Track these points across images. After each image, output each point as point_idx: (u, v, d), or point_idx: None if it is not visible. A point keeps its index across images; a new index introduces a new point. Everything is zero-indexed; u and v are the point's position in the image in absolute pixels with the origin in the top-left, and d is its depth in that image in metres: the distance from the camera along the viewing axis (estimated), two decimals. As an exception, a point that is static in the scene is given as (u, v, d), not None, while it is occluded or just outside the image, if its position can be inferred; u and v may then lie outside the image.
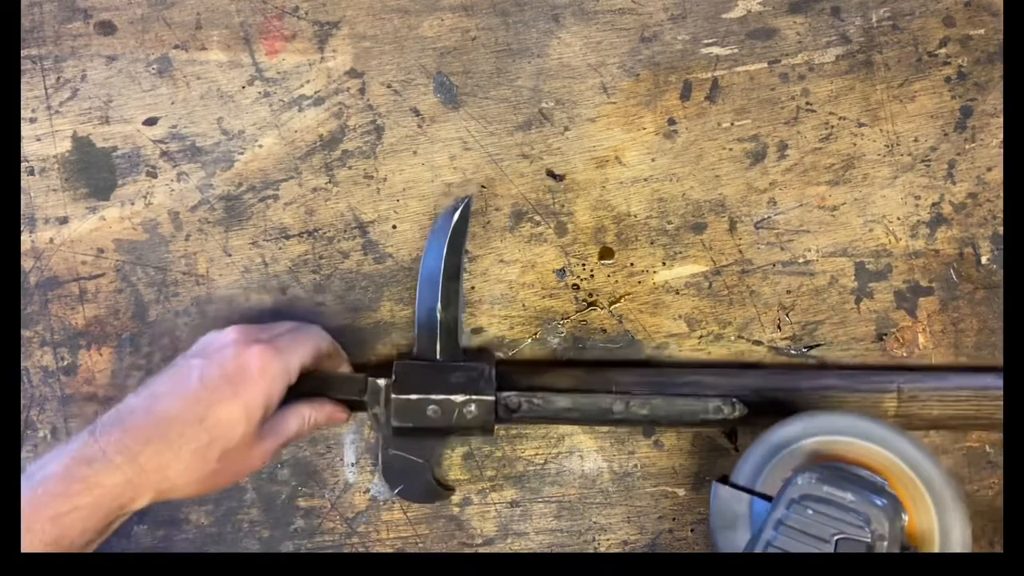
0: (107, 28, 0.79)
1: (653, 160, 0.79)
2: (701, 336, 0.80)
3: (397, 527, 0.79)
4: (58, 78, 0.79)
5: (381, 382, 0.74)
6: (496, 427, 0.74)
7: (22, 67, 0.78)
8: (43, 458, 0.62)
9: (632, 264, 0.80)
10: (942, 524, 0.65)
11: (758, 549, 0.60)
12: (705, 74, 0.80)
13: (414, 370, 0.74)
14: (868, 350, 0.80)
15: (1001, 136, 0.79)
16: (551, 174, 0.79)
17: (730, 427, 0.79)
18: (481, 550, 0.79)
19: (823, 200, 0.80)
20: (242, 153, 0.79)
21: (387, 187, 0.79)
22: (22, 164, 0.78)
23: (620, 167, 0.79)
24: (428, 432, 0.74)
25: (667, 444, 0.80)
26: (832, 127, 0.80)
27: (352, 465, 0.79)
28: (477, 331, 0.79)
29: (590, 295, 0.80)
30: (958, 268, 0.80)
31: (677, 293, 0.80)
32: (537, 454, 0.80)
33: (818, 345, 0.80)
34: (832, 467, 0.64)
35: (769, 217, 0.80)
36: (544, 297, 0.80)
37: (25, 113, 0.78)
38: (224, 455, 0.64)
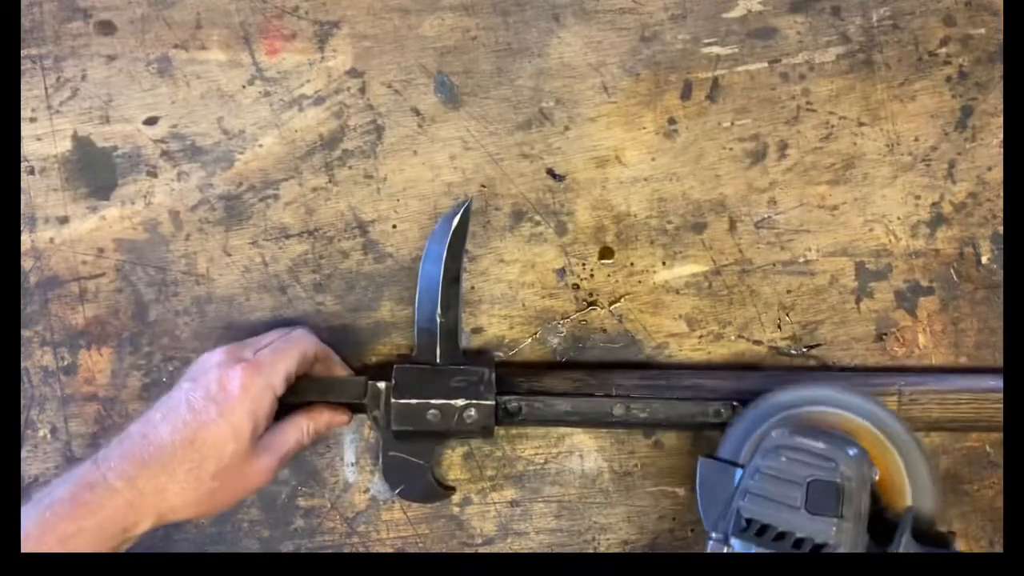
0: (107, 28, 0.79)
1: (653, 160, 0.79)
2: (701, 336, 0.80)
3: (397, 527, 0.79)
4: (58, 78, 0.79)
5: (381, 385, 0.74)
6: (496, 428, 0.74)
7: (22, 67, 0.78)
8: (51, 484, 0.66)
9: (632, 264, 0.80)
10: (912, 478, 0.67)
11: (737, 500, 0.63)
12: (705, 74, 0.79)
13: (414, 374, 0.73)
14: (868, 350, 0.80)
15: (1001, 136, 0.79)
16: (551, 174, 0.79)
17: (730, 427, 0.79)
18: (481, 550, 0.79)
19: (823, 200, 0.80)
20: (242, 153, 0.79)
21: (387, 187, 0.79)
22: (22, 164, 0.78)
23: (620, 167, 0.79)
24: (428, 435, 0.74)
25: (667, 444, 0.80)
26: (832, 127, 0.80)
27: (352, 465, 0.79)
28: (477, 331, 0.79)
29: (590, 295, 0.80)
30: (958, 268, 0.80)
31: (677, 293, 0.80)
32: (537, 454, 0.80)
33: (818, 345, 0.80)
34: (806, 424, 0.68)
35: (769, 217, 0.80)
36: (544, 297, 0.80)
37: (25, 113, 0.78)
38: (219, 474, 0.66)
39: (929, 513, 0.67)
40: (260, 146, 0.79)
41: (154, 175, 0.79)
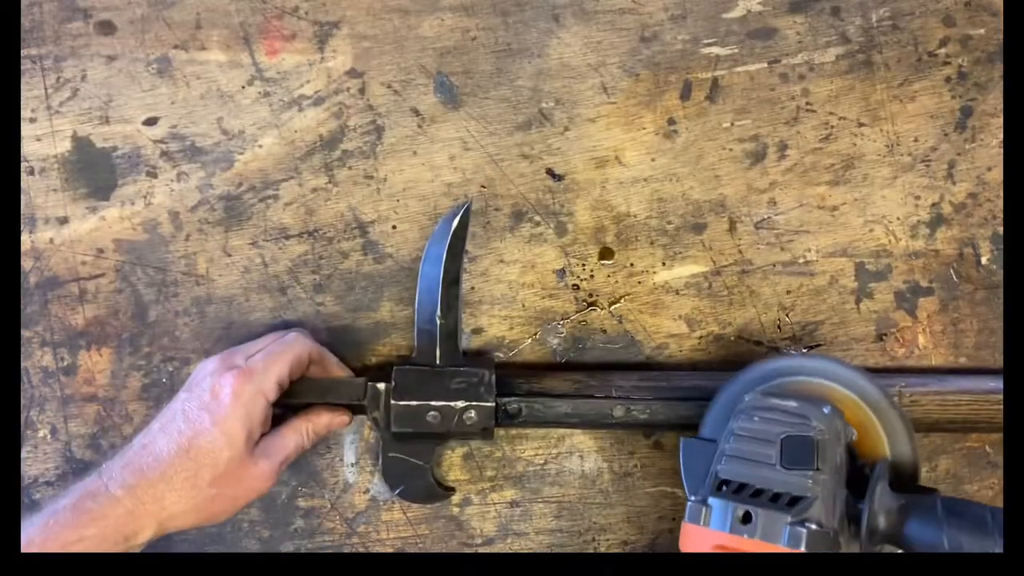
0: (107, 28, 0.79)
1: (653, 160, 0.79)
2: (701, 336, 0.80)
3: (397, 527, 0.79)
4: (58, 78, 0.79)
5: (381, 387, 0.74)
6: (496, 429, 0.74)
7: (22, 67, 0.78)
8: (58, 495, 0.67)
9: (632, 264, 0.80)
10: (888, 435, 0.68)
11: (716, 463, 0.64)
12: (705, 74, 0.79)
13: (413, 376, 0.73)
14: (868, 350, 0.80)
15: (1001, 136, 0.79)
16: (551, 174, 0.79)
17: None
18: (481, 550, 0.79)
19: (823, 200, 0.80)
20: (242, 153, 0.79)
21: (387, 187, 0.79)
22: (22, 164, 0.78)
23: (620, 167, 0.79)
24: (428, 437, 0.74)
25: (667, 444, 0.80)
26: (832, 127, 0.80)
27: (352, 465, 0.79)
28: (477, 331, 0.79)
29: (590, 295, 0.80)
30: (958, 268, 0.80)
31: (677, 293, 0.80)
32: (537, 454, 0.80)
33: (818, 345, 0.80)
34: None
35: (769, 217, 0.80)
36: (544, 297, 0.80)
37: (25, 113, 0.78)
38: (216, 481, 0.67)
39: (909, 466, 0.68)
40: (260, 146, 0.79)
41: (154, 175, 0.79)
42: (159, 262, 0.79)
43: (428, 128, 0.79)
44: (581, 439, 0.80)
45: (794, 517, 0.59)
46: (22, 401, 0.78)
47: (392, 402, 0.73)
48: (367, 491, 0.79)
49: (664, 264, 0.80)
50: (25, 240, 0.78)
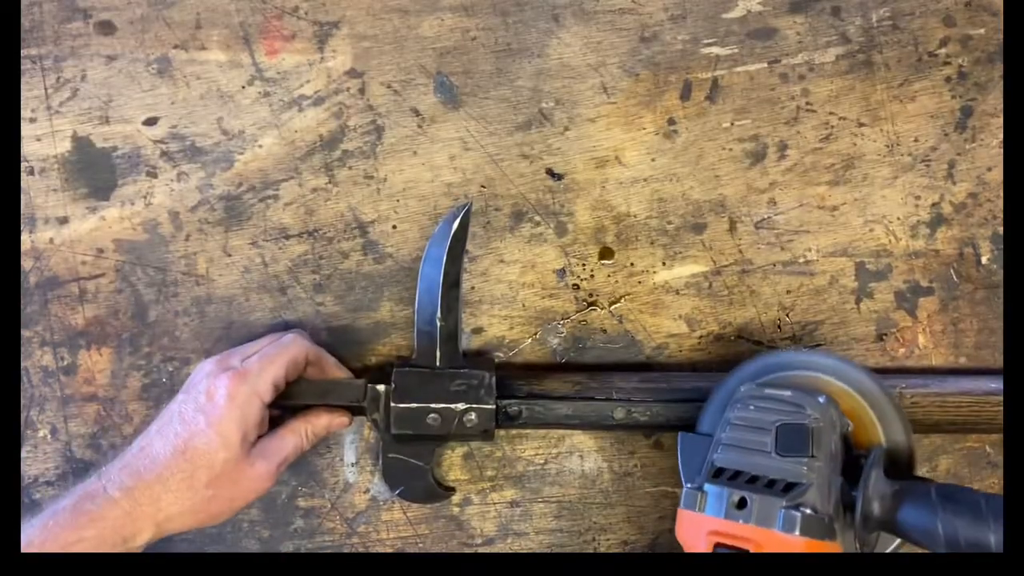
0: (107, 28, 0.79)
1: (653, 160, 0.79)
2: (701, 336, 0.80)
3: (397, 527, 0.79)
4: (58, 78, 0.79)
5: (380, 388, 0.74)
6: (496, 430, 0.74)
7: (22, 67, 0.78)
8: (58, 496, 0.67)
9: (632, 264, 0.80)
10: (883, 424, 0.68)
11: (712, 452, 0.65)
12: (705, 74, 0.79)
13: (414, 378, 0.73)
14: (868, 350, 0.80)
15: (1001, 136, 0.79)
16: (551, 174, 0.79)
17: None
18: (481, 550, 0.79)
19: (823, 200, 0.80)
20: (242, 153, 0.79)
21: (387, 187, 0.79)
22: (22, 164, 0.78)
23: (620, 167, 0.79)
24: (428, 438, 0.74)
25: (667, 444, 0.80)
26: (832, 127, 0.80)
27: (352, 465, 0.79)
28: (477, 331, 0.79)
29: (590, 295, 0.80)
30: (958, 268, 0.80)
31: (677, 293, 0.80)
32: (537, 454, 0.80)
33: (818, 345, 0.80)
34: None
35: (769, 217, 0.80)
36: (544, 297, 0.80)
37: (25, 113, 0.78)
38: (212, 482, 0.67)
39: (905, 455, 0.68)
40: (260, 146, 0.79)
41: (154, 175, 0.79)
42: (159, 262, 0.79)
43: (428, 128, 0.79)
44: (581, 439, 0.80)
45: (789, 502, 0.60)
46: (22, 401, 0.78)
47: (392, 404, 0.73)
48: (367, 491, 0.79)
49: (664, 264, 0.80)
50: (25, 240, 0.78)
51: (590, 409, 0.74)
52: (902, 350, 0.80)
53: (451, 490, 0.78)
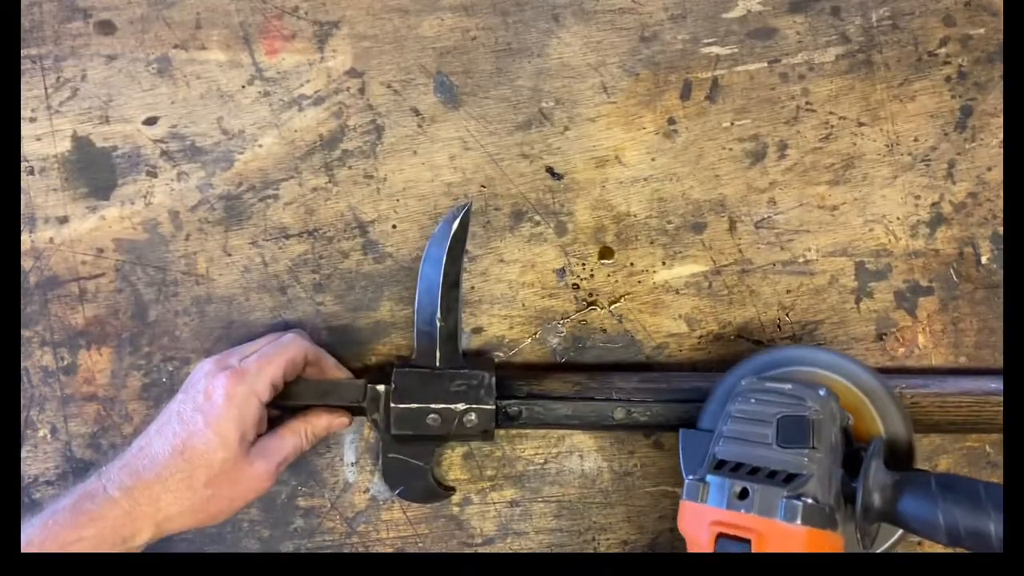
0: (107, 28, 0.79)
1: (653, 160, 0.79)
2: (701, 336, 0.80)
3: (397, 527, 0.79)
4: (58, 78, 0.79)
5: (380, 388, 0.74)
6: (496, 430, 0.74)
7: (22, 67, 0.78)
8: (59, 495, 0.68)
9: (632, 264, 0.80)
10: (883, 418, 0.69)
11: (714, 445, 0.65)
12: (705, 74, 0.79)
13: (413, 378, 0.73)
14: (868, 350, 0.80)
15: (1001, 136, 0.79)
16: (551, 173, 0.79)
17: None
18: (481, 550, 0.79)
19: (823, 200, 0.80)
20: (242, 153, 0.79)
21: (387, 187, 0.79)
22: (22, 164, 0.78)
23: (620, 167, 0.79)
24: (428, 438, 0.74)
25: (667, 444, 0.80)
26: (832, 127, 0.80)
27: (352, 465, 0.79)
28: (477, 331, 0.79)
29: (590, 295, 0.80)
30: (958, 268, 0.80)
31: (677, 293, 0.80)
32: (537, 454, 0.80)
33: (818, 345, 0.80)
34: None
35: (769, 217, 0.80)
36: (544, 297, 0.80)
37: (25, 113, 0.78)
38: (211, 481, 0.67)
39: (904, 447, 0.68)
40: (260, 146, 0.79)
41: (154, 175, 0.79)
42: (159, 262, 0.79)
43: (428, 128, 0.79)
44: (581, 439, 0.80)
45: (790, 492, 0.60)
46: (22, 401, 0.78)
47: (392, 404, 0.73)
48: (367, 490, 0.79)
49: (664, 264, 0.80)
50: (25, 240, 0.78)
51: (590, 409, 0.74)
52: (902, 350, 0.80)
53: (451, 490, 0.78)
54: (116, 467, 0.67)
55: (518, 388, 0.75)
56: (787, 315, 0.80)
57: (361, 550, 0.79)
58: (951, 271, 0.80)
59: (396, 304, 0.79)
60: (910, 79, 0.80)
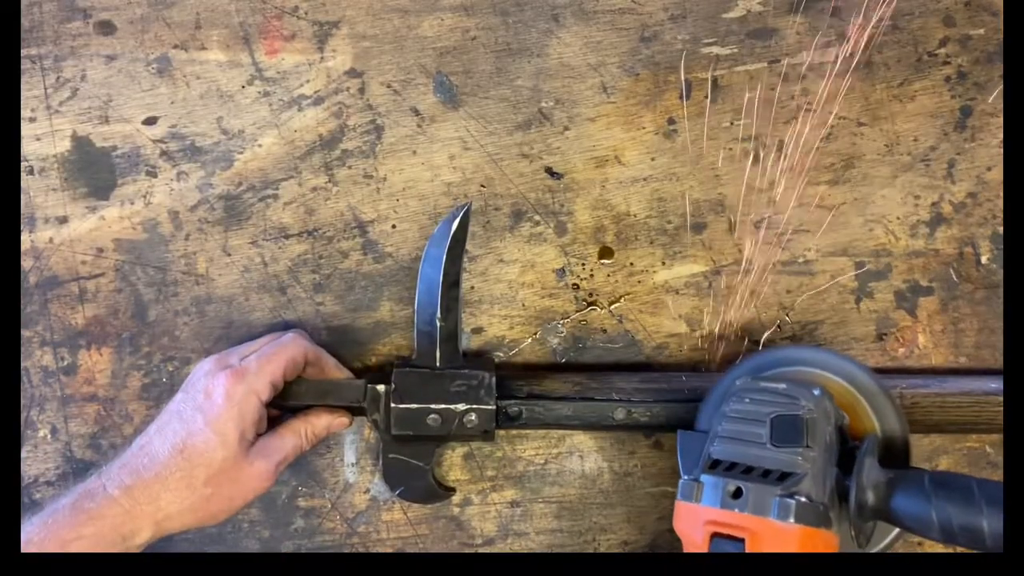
0: (107, 28, 0.79)
1: (653, 160, 0.79)
2: (701, 336, 0.80)
3: (397, 527, 0.79)
4: (58, 78, 0.79)
5: (380, 389, 0.74)
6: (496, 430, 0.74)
7: (22, 67, 0.78)
8: (59, 495, 0.68)
9: (632, 264, 0.80)
10: (878, 416, 0.69)
11: (709, 445, 0.65)
12: (705, 74, 0.80)
13: (414, 378, 0.73)
14: (868, 350, 0.80)
15: (1001, 136, 0.79)
16: (551, 173, 0.79)
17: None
18: (481, 550, 0.79)
19: (823, 200, 0.80)
20: (242, 153, 0.79)
21: (387, 187, 0.79)
22: (22, 164, 0.78)
23: (620, 167, 0.79)
24: (428, 439, 0.74)
25: (667, 444, 0.80)
26: (832, 127, 0.80)
27: (352, 465, 0.79)
28: (477, 331, 0.79)
29: (590, 295, 0.80)
30: (958, 268, 0.80)
31: (677, 293, 0.80)
32: (537, 454, 0.80)
33: (818, 345, 0.80)
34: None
35: (769, 217, 0.80)
36: (544, 297, 0.80)
37: (25, 113, 0.78)
38: (211, 480, 0.67)
39: (900, 445, 0.69)
40: (259, 146, 0.79)
41: (153, 175, 0.79)
42: (159, 262, 0.79)
43: (428, 128, 0.79)
44: (581, 439, 0.80)
45: (783, 491, 0.60)
46: (22, 401, 0.78)
47: (392, 405, 0.73)
48: (367, 491, 0.79)
49: (664, 264, 0.80)
50: (25, 240, 0.78)
51: (590, 409, 0.74)
52: (902, 350, 0.80)
53: (451, 490, 0.78)
54: (116, 466, 0.67)
55: (518, 388, 0.75)
56: (787, 315, 0.80)
57: (361, 550, 0.79)
58: (951, 271, 0.80)
59: (396, 304, 0.79)
60: (910, 79, 0.80)
